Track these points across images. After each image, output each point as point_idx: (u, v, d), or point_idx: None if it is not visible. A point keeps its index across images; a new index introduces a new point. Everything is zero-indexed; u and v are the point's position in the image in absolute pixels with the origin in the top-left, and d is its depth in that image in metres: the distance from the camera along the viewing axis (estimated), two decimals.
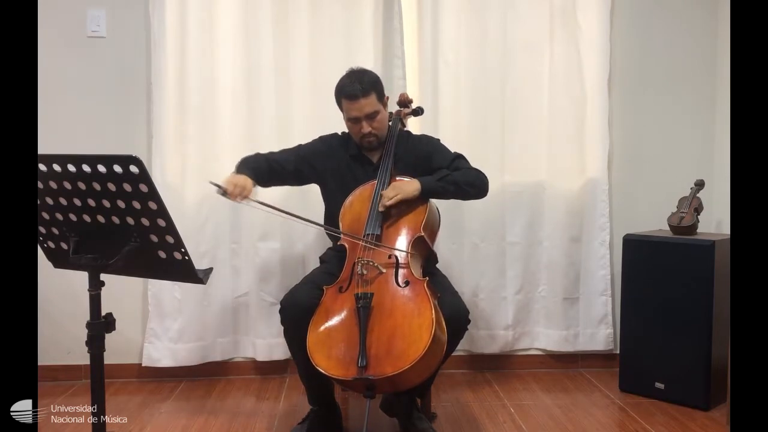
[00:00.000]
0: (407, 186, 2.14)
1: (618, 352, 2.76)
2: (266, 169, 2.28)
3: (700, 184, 2.72)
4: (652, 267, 2.57)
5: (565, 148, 2.89)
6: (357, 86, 2.18)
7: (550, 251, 2.92)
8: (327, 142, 2.39)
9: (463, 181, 2.20)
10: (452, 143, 2.43)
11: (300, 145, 2.39)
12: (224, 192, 2.05)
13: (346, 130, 2.37)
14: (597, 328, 2.94)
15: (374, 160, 2.30)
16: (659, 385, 2.56)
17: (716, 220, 2.90)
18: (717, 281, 2.43)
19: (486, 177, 2.25)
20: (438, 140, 2.41)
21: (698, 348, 2.46)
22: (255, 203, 2.09)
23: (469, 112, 2.85)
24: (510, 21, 2.84)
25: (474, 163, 2.31)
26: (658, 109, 2.96)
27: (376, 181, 2.18)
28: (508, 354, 2.96)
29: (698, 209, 2.67)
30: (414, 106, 2.49)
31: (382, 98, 2.26)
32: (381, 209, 2.10)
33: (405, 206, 2.13)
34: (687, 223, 2.61)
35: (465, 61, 2.84)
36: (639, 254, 2.62)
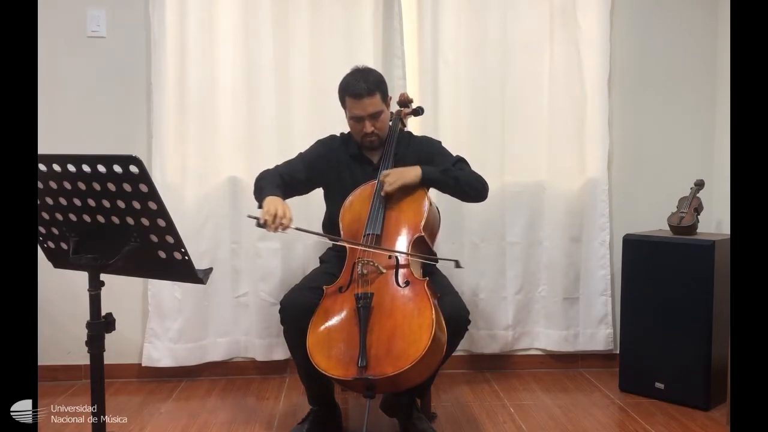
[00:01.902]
0: (408, 172, 2.14)
1: (618, 352, 2.76)
2: (283, 185, 2.22)
3: (700, 184, 2.72)
4: (652, 267, 2.57)
5: (565, 148, 2.89)
6: (362, 85, 2.17)
7: (550, 251, 2.92)
8: (326, 144, 2.38)
9: (464, 180, 2.20)
10: (452, 143, 2.43)
11: (300, 153, 2.36)
12: (263, 224, 1.95)
13: (345, 131, 2.37)
14: (597, 328, 2.94)
15: (374, 160, 2.30)
16: (659, 385, 2.56)
17: (716, 220, 2.90)
18: (717, 281, 2.43)
19: (486, 183, 2.25)
20: (439, 143, 2.40)
21: (698, 348, 2.46)
22: (294, 231, 2.01)
23: (469, 112, 2.85)
24: (510, 21, 2.83)
25: (474, 163, 2.31)
26: (658, 109, 2.96)
27: (376, 181, 2.18)
28: (508, 354, 2.96)
29: (698, 209, 2.67)
30: (414, 106, 2.49)
31: (385, 98, 2.25)
32: (382, 194, 2.11)
33: (405, 204, 2.12)
34: (687, 223, 2.61)
35: (465, 61, 2.84)
36: (639, 254, 2.62)
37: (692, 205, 2.66)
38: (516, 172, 2.88)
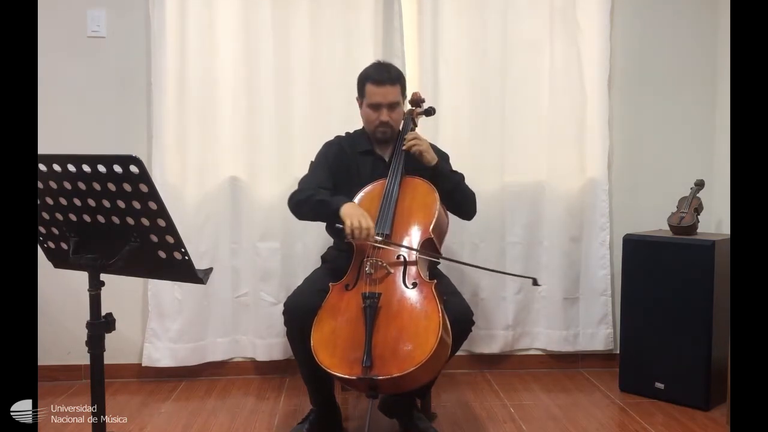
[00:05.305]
0: (430, 152, 2.19)
1: (618, 352, 2.76)
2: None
3: (700, 184, 2.72)
4: (652, 267, 2.57)
5: (565, 148, 2.89)
6: (385, 74, 2.22)
7: (550, 251, 2.91)
8: (334, 144, 2.34)
9: (464, 190, 2.26)
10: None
11: (312, 161, 2.31)
12: (351, 235, 1.95)
13: (343, 133, 2.36)
14: (597, 328, 2.94)
15: (386, 157, 2.28)
16: (659, 385, 2.56)
17: (716, 220, 2.90)
18: (717, 281, 2.43)
19: (476, 206, 2.32)
20: (447, 156, 2.38)
21: (698, 348, 2.46)
22: (379, 244, 2.00)
23: (469, 112, 2.85)
24: (510, 21, 2.83)
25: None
26: (658, 109, 2.96)
27: (386, 180, 2.15)
28: (508, 354, 2.96)
29: (698, 209, 2.67)
30: (426, 106, 2.47)
31: (404, 93, 2.28)
32: (404, 148, 2.16)
33: (415, 205, 2.11)
34: (687, 223, 2.61)
35: (465, 61, 2.84)
36: (639, 254, 2.62)
37: (692, 205, 2.66)
38: (516, 172, 2.88)
